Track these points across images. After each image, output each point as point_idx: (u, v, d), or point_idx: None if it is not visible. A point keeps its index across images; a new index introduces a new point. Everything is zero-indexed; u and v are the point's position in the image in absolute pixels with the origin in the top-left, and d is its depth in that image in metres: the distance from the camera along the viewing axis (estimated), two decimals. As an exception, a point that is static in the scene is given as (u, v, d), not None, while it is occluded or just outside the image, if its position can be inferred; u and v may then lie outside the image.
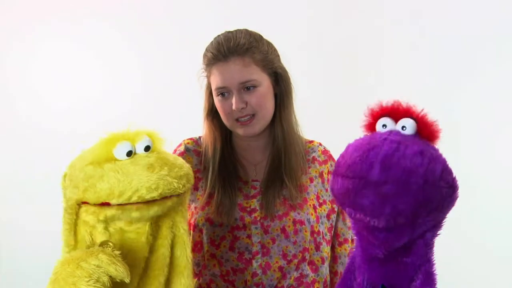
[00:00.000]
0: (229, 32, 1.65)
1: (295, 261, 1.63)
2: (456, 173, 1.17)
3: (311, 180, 1.72)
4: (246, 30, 1.65)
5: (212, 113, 1.70)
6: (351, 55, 2.96)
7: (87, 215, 1.24)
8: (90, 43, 3.16)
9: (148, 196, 1.22)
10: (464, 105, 2.82)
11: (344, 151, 1.19)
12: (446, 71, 2.85)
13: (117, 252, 1.15)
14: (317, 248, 1.67)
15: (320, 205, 1.70)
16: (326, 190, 1.72)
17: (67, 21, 3.15)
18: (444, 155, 1.18)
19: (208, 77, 1.66)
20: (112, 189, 1.21)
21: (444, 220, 1.17)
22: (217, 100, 1.64)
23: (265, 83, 1.63)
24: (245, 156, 1.73)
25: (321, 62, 2.97)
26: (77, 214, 1.23)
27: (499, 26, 2.75)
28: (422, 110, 1.20)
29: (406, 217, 1.10)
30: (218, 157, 1.69)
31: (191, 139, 1.78)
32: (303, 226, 1.63)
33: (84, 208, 1.24)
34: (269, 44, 1.67)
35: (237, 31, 1.64)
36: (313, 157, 1.75)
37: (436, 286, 1.17)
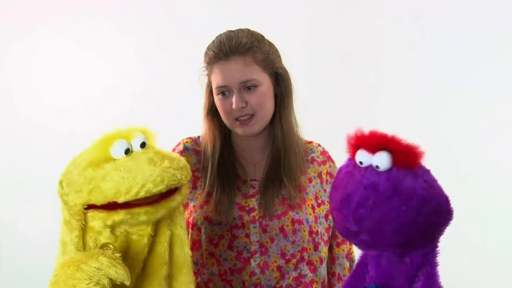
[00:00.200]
0: (231, 31, 1.65)
1: (294, 260, 1.63)
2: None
3: (310, 181, 1.72)
4: (248, 30, 1.65)
5: (212, 112, 1.70)
6: (351, 56, 2.96)
7: (94, 221, 1.24)
8: (90, 43, 3.16)
9: (155, 190, 1.23)
10: (463, 105, 2.82)
11: (336, 179, 1.25)
12: (446, 72, 2.85)
13: (118, 255, 1.15)
14: (316, 248, 1.67)
15: (319, 205, 1.71)
16: (325, 190, 1.73)
17: (67, 21, 3.15)
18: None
19: (209, 75, 1.66)
20: (118, 187, 1.21)
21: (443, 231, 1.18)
22: (217, 99, 1.64)
23: (265, 83, 1.63)
24: (244, 155, 1.73)
25: (321, 63, 2.96)
26: (85, 220, 1.23)
27: (499, 26, 2.75)
28: (398, 139, 1.16)
29: (393, 250, 1.17)
30: (217, 156, 1.69)
31: (190, 138, 1.78)
32: (302, 225, 1.64)
33: (90, 213, 1.23)
34: (270, 44, 1.67)
35: (239, 30, 1.65)
36: (312, 157, 1.76)
37: None
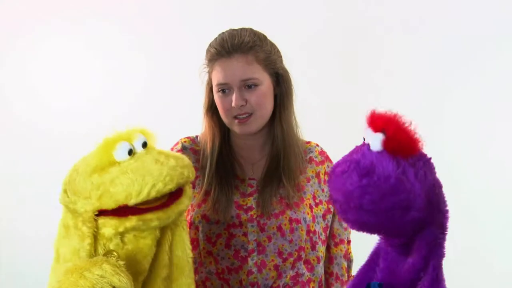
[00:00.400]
0: (233, 29, 1.66)
1: (291, 259, 1.64)
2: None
3: (308, 180, 1.73)
4: (251, 29, 1.66)
5: (211, 109, 1.70)
6: (350, 56, 2.95)
7: (105, 228, 1.23)
8: (89, 43, 3.15)
9: (166, 189, 1.23)
10: (463, 107, 2.82)
11: None
12: (446, 73, 2.85)
13: (121, 262, 1.15)
14: (313, 247, 1.68)
15: (316, 205, 1.71)
16: (323, 190, 1.73)
17: (67, 21, 3.14)
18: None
19: (210, 72, 1.66)
20: (128, 190, 1.21)
21: (443, 222, 1.21)
22: (217, 96, 1.64)
23: (266, 83, 1.63)
24: (242, 154, 1.73)
25: (320, 63, 2.96)
26: (97, 226, 1.22)
27: (499, 26, 2.75)
28: (402, 126, 1.21)
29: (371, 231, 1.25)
30: (216, 154, 1.69)
31: (188, 137, 1.78)
32: (299, 224, 1.64)
33: (102, 220, 1.23)
34: (272, 44, 1.68)
35: (241, 29, 1.65)
36: (310, 157, 1.76)
37: None
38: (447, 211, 1.22)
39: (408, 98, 2.71)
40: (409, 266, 1.19)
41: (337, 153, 1.37)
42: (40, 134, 3.17)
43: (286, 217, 1.64)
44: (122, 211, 1.23)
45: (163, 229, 1.34)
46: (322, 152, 1.79)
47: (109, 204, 1.22)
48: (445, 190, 1.24)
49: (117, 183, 1.21)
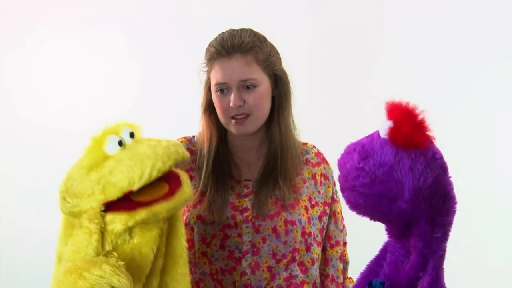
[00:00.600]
0: (234, 29, 1.66)
1: (284, 261, 1.63)
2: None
3: (304, 182, 1.73)
4: (251, 30, 1.66)
5: (209, 109, 1.70)
6: (350, 57, 2.96)
7: (113, 224, 1.23)
8: (89, 43, 3.15)
9: (165, 167, 1.25)
10: (463, 110, 2.84)
11: None
12: (446, 74, 2.87)
13: (121, 263, 1.14)
14: (308, 249, 1.67)
15: (312, 206, 1.71)
16: (319, 192, 1.73)
17: (68, 21, 3.14)
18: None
19: (209, 72, 1.66)
20: (130, 176, 1.21)
21: (437, 219, 1.23)
22: (215, 96, 1.64)
23: (264, 84, 1.63)
24: (239, 155, 1.73)
25: (320, 65, 2.97)
26: (104, 223, 1.22)
27: (503, 26, 2.77)
28: (410, 114, 1.24)
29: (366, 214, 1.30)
30: (213, 154, 1.69)
31: (184, 137, 1.77)
32: (294, 226, 1.64)
33: (110, 216, 1.23)
34: (272, 46, 1.68)
35: (242, 29, 1.65)
36: (307, 159, 1.76)
37: None
38: (447, 212, 1.23)
39: (410, 98, 2.69)
40: (410, 264, 1.20)
41: (336, 155, 1.38)
42: (40, 134, 3.17)
43: (281, 219, 1.64)
44: (129, 205, 1.23)
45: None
46: (318, 154, 1.79)
47: (114, 194, 1.22)
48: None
49: (117, 173, 1.21)
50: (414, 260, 1.20)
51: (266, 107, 1.65)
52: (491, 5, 2.77)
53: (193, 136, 1.78)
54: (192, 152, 1.74)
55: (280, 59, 1.70)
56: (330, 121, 2.90)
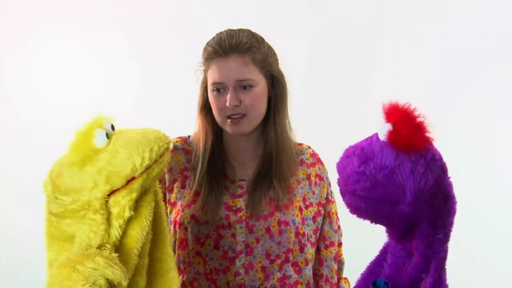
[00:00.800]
0: (232, 29, 1.66)
1: (278, 261, 1.63)
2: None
3: (299, 182, 1.73)
4: (249, 31, 1.66)
5: (205, 108, 1.70)
6: (351, 57, 2.96)
7: (118, 203, 1.23)
8: (89, 43, 3.16)
9: (162, 149, 1.28)
10: (463, 112, 2.85)
11: None
12: (446, 74, 2.87)
13: (115, 255, 1.13)
14: (301, 249, 1.67)
15: (306, 207, 1.71)
16: (313, 192, 1.74)
17: (68, 21, 3.15)
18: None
19: (206, 71, 1.66)
20: (131, 163, 1.23)
21: (439, 221, 1.23)
22: (211, 95, 1.64)
23: (261, 85, 1.64)
24: (234, 155, 1.73)
25: (320, 64, 2.98)
26: (109, 209, 1.23)
27: (505, 26, 2.78)
28: (408, 116, 1.24)
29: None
30: (208, 154, 1.69)
31: (180, 137, 1.77)
32: (288, 227, 1.64)
33: (112, 199, 1.23)
34: (269, 47, 1.68)
35: (240, 30, 1.66)
36: (302, 159, 1.76)
37: None
38: (448, 213, 1.23)
39: (410, 99, 2.69)
40: (412, 265, 1.20)
41: (334, 154, 1.38)
42: (40, 133, 3.17)
43: (274, 219, 1.64)
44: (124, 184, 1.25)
45: (146, 197, 1.35)
46: (313, 154, 1.79)
47: (119, 182, 1.23)
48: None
49: (116, 164, 1.23)
50: (416, 262, 1.20)
51: (262, 107, 1.65)
52: (491, 5, 2.77)
53: (189, 136, 1.78)
54: (187, 152, 1.74)
55: (277, 60, 1.70)
56: (329, 122, 2.90)
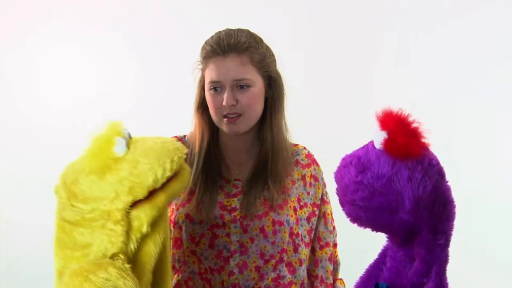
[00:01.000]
0: (231, 29, 1.66)
1: (273, 261, 1.64)
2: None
3: (293, 183, 1.73)
4: (248, 31, 1.66)
5: (202, 107, 1.70)
6: (350, 58, 2.97)
7: (139, 218, 1.22)
8: (89, 43, 3.15)
9: (181, 159, 1.29)
10: (464, 113, 2.87)
11: None
12: (446, 75, 2.89)
13: (127, 266, 1.13)
14: (296, 250, 1.68)
15: (301, 207, 1.72)
16: (308, 193, 1.74)
17: (68, 21, 3.14)
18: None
19: (203, 70, 1.66)
20: (153, 174, 1.23)
21: (439, 227, 1.24)
22: (208, 94, 1.63)
23: (258, 85, 1.64)
24: (229, 155, 1.73)
25: (319, 64, 2.98)
26: (130, 221, 1.22)
27: (501, 26, 2.80)
28: (403, 124, 1.24)
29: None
30: (204, 153, 1.69)
31: (175, 136, 1.76)
32: (282, 227, 1.64)
33: (135, 212, 1.22)
34: (267, 48, 1.68)
35: (239, 29, 1.65)
36: (297, 160, 1.77)
37: None
38: (448, 217, 1.24)
39: (410, 99, 2.69)
40: (413, 270, 1.21)
41: (333, 154, 1.39)
42: (41, 132, 3.16)
43: (269, 219, 1.64)
44: (146, 197, 1.25)
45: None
46: (308, 155, 1.80)
47: (142, 193, 1.23)
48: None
49: (137, 174, 1.22)
50: (417, 267, 1.21)
51: (258, 108, 1.65)
52: (491, 5, 2.79)
53: (184, 136, 1.77)
54: None
55: (275, 61, 1.70)
56: (327, 122, 2.91)
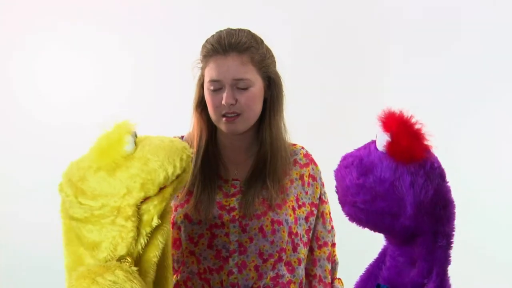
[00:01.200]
0: (232, 29, 1.66)
1: (271, 260, 1.64)
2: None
3: (292, 182, 1.73)
4: (249, 31, 1.66)
5: (201, 106, 1.70)
6: (349, 58, 2.97)
7: (149, 211, 1.24)
8: (89, 43, 3.17)
9: (189, 157, 1.32)
10: (463, 107, 2.87)
11: None
12: (447, 79, 2.89)
13: (135, 268, 1.13)
14: (294, 249, 1.68)
15: (299, 207, 1.72)
16: (306, 193, 1.74)
17: (68, 22, 3.16)
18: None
19: (203, 68, 1.65)
20: (164, 172, 1.24)
21: (441, 230, 1.23)
22: (207, 93, 1.63)
23: (257, 85, 1.64)
24: (228, 155, 1.73)
25: (318, 65, 2.97)
26: (140, 215, 1.23)
27: (507, 32, 2.81)
28: (406, 126, 1.23)
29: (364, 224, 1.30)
30: (202, 152, 1.69)
31: (174, 137, 1.76)
32: (281, 226, 1.65)
33: (144, 206, 1.23)
34: (268, 48, 1.69)
35: (240, 29, 1.65)
36: (295, 159, 1.77)
37: None
38: (448, 218, 1.24)
39: (411, 99, 2.69)
40: (415, 271, 1.21)
41: (330, 156, 1.39)
42: (42, 131, 3.17)
43: (268, 218, 1.64)
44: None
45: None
46: (307, 155, 1.80)
47: (153, 190, 1.24)
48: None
49: (149, 171, 1.23)
50: (418, 268, 1.21)
51: (257, 108, 1.65)
52: (495, 9, 2.80)
53: (182, 136, 1.77)
54: None
55: (275, 62, 1.71)
56: (327, 122, 2.91)
